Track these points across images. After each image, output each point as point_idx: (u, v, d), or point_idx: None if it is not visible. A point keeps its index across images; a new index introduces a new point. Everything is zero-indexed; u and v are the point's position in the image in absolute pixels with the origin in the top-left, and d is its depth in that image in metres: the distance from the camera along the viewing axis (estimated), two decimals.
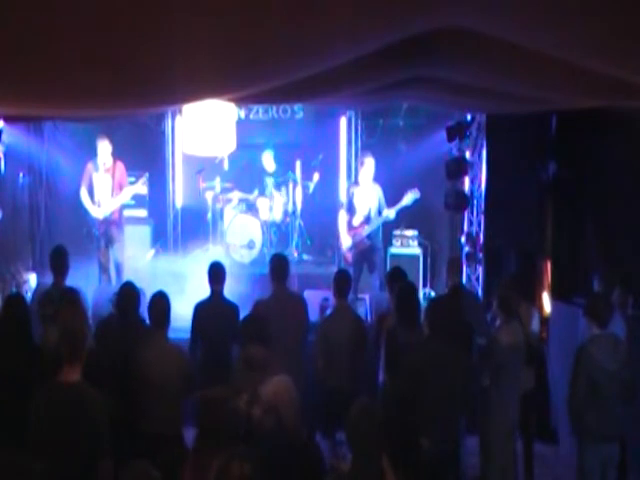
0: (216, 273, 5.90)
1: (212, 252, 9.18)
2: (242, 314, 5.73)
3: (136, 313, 5.36)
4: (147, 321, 5.27)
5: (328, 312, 6.23)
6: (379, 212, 8.14)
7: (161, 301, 5.04)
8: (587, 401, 4.96)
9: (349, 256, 8.35)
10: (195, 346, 5.73)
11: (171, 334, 5.09)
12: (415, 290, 5.80)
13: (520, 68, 4.78)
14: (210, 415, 3.81)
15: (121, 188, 8.21)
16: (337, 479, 3.65)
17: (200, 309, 5.82)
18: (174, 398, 4.81)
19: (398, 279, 6.08)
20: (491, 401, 5.22)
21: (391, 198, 8.20)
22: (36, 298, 6.13)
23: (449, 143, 9.08)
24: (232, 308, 5.82)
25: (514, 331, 5.28)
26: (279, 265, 5.95)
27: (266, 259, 9.07)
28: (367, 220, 8.16)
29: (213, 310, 5.79)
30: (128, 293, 5.36)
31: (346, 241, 8.26)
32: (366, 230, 8.17)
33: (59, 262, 6.19)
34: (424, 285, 9.22)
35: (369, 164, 8.17)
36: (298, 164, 9.78)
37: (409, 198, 8.07)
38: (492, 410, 5.23)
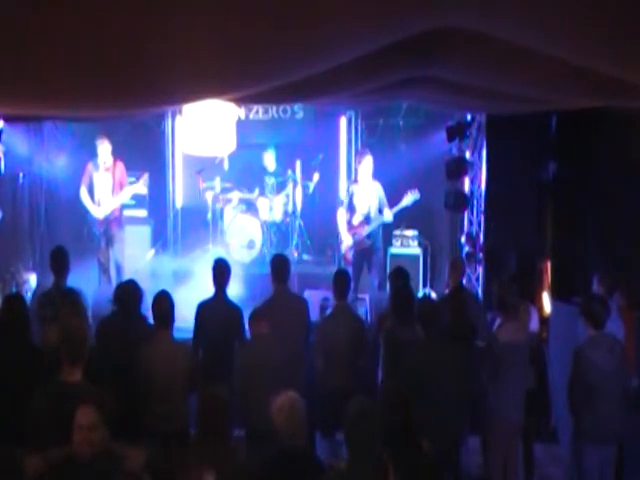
0: (221, 270, 5.87)
1: (212, 252, 9.18)
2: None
3: (138, 311, 5.36)
4: (149, 319, 5.28)
5: (328, 312, 6.23)
6: (379, 211, 8.12)
7: (165, 300, 5.06)
8: (584, 403, 4.97)
9: (349, 255, 8.33)
10: (197, 345, 5.72)
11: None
12: (410, 289, 5.85)
13: (520, 68, 4.78)
14: (210, 413, 3.83)
15: (121, 187, 8.22)
16: (335, 478, 3.65)
17: (203, 309, 5.81)
18: (180, 396, 4.83)
19: (400, 279, 6.10)
20: (491, 400, 5.21)
21: (391, 198, 8.18)
22: (36, 299, 6.13)
23: (449, 143, 9.07)
24: (235, 310, 5.80)
25: (514, 330, 5.26)
26: (280, 266, 5.95)
27: (266, 259, 9.09)
28: (367, 220, 8.14)
29: (215, 310, 5.78)
30: (130, 290, 5.36)
31: (347, 239, 8.24)
32: (366, 230, 8.15)
33: (60, 263, 6.18)
34: (424, 285, 9.21)
35: (367, 161, 8.14)
36: (298, 164, 9.78)
37: (409, 199, 8.06)
38: (492, 409, 5.22)
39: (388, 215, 8.07)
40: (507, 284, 5.60)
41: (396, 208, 8.09)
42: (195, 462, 3.70)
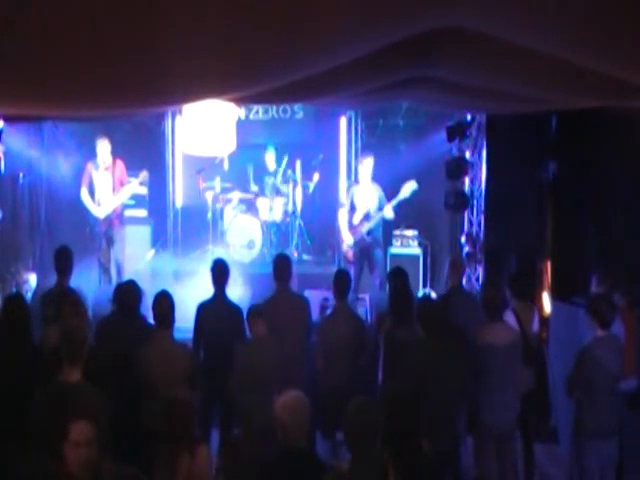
0: (220, 270, 5.88)
1: (212, 252, 9.19)
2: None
3: (137, 311, 5.36)
4: (148, 319, 5.27)
5: (328, 312, 6.23)
6: (379, 209, 8.14)
7: (165, 300, 5.06)
8: (586, 402, 4.96)
9: (350, 254, 8.34)
10: (197, 346, 5.72)
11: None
12: (408, 288, 5.84)
13: (520, 68, 4.78)
14: (175, 416, 3.86)
15: (122, 186, 8.23)
16: (336, 479, 3.64)
17: (203, 309, 5.81)
18: None
19: (398, 278, 6.10)
20: (477, 401, 5.16)
21: (391, 198, 8.20)
22: (38, 298, 6.13)
23: (449, 143, 9.07)
24: (235, 310, 5.79)
25: (498, 332, 5.16)
26: (282, 265, 5.95)
27: (266, 259, 9.11)
28: (366, 217, 8.17)
29: (216, 311, 5.78)
30: (130, 290, 5.37)
31: (347, 239, 8.25)
32: (366, 227, 8.17)
33: (63, 263, 6.16)
34: (424, 285, 9.21)
35: (368, 164, 8.18)
36: (298, 164, 9.78)
37: (406, 190, 8.08)
38: (479, 410, 5.16)
39: (389, 211, 8.09)
40: (494, 285, 5.56)
41: (395, 201, 8.09)
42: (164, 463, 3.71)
